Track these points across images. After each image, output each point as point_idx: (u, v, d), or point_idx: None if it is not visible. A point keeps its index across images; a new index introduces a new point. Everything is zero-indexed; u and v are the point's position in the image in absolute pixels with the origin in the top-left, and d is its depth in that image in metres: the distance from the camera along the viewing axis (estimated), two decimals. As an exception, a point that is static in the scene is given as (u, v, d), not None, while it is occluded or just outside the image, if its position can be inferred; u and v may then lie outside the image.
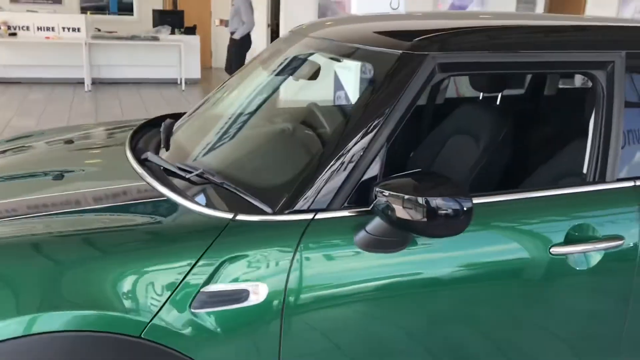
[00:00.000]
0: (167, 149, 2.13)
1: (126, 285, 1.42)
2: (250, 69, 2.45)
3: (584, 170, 1.86)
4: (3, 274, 1.40)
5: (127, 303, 1.41)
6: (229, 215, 1.56)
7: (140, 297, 1.42)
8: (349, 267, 1.57)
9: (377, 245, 1.56)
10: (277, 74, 2.29)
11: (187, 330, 1.45)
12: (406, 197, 1.46)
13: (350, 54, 2.03)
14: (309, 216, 1.57)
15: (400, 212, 1.47)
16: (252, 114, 2.25)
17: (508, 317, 1.74)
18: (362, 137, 1.62)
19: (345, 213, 1.59)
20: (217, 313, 1.47)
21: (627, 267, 1.81)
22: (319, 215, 1.57)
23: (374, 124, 1.63)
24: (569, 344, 1.84)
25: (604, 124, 1.84)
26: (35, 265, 1.43)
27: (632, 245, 1.79)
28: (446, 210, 1.44)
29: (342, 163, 1.60)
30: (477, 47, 1.76)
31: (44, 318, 1.35)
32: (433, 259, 1.63)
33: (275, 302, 1.50)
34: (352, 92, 3.34)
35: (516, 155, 2.37)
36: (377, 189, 1.52)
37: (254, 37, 8.16)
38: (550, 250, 1.71)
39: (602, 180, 1.83)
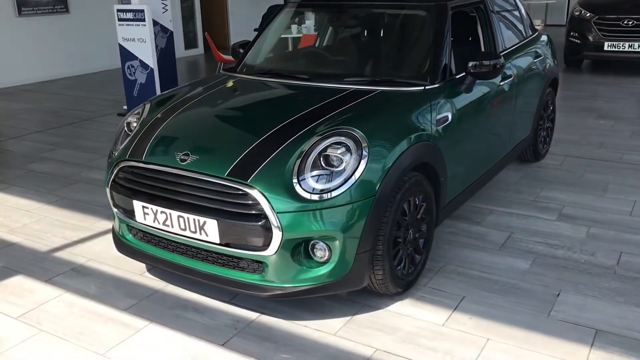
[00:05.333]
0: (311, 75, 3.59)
1: (417, 122, 3.10)
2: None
3: (483, 48, 4.12)
4: (389, 128, 2.96)
5: (425, 127, 3.10)
6: (421, 88, 3.31)
7: (425, 125, 3.12)
8: (462, 99, 3.51)
9: (467, 89, 3.54)
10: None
11: (437, 136, 3.20)
12: (483, 62, 3.46)
13: (406, 7, 3.84)
14: (442, 83, 3.42)
15: (482, 68, 3.46)
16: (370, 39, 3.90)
17: (504, 107, 4.03)
18: (444, 43, 3.51)
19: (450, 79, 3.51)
20: (442, 127, 3.25)
21: (514, 86, 4.19)
22: (446, 82, 3.44)
23: (446, 35, 3.53)
24: (515, 119, 4.25)
25: (488, 29, 4.11)
26: (393, 122, 3.03)
27: (513, 74, 4.16)
28: (498, 64, 3.50)
29: (444, 56, 3.47)
30: (459, -2, 3.83)
31: (409, 138, 2.96)
32: (480, 90, 3.70)
33: (452, 118, 3.36)
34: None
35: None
36: (470, 63, 3.46)
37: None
38: (499, 83, 3.96)
39: (496, 55, 4.12)
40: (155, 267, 3.18)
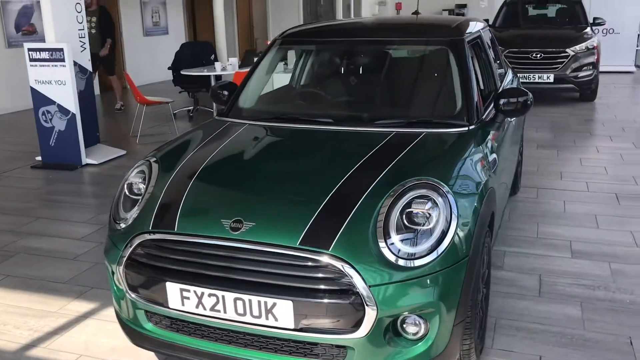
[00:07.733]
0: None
1: (480, 166, 2.80)
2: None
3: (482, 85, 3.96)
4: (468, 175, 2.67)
5: (486, 172, 2.80)
6: (466, 129, 3.03)
7: (486, 169, 2.83)
8: (497, 138, 3.28)
9: (499, 127, 3.32)
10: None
11: (493, 179, 2.92)
12: (510, 100, 3.26)
13: (419, 42, 3.55)
14: (480, 122, 3.17)
15: (510, 106, 3.27)
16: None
17: (513, 142, 3.88)
18: (471, 80, 3.27)
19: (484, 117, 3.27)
20: (494, 170, 2.98)
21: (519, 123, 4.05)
22: (481, 121, 3.19)
23: (471, 71, 3.30)
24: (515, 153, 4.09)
25: (487, 64, 3.95)
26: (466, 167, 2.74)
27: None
28: (528, 100, 3.31)
29: (474, 94, 3.22)
30: (467, 31, 3.61)
31: (481, 186, 2.65)
32: (507, 128, 3.50)
33: (498, 160, 3.10)
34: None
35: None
36: (501, 100, 3.25)
37: None
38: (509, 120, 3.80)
39: (525, 92, 3.93)
40: (184, 358, 2.57)
